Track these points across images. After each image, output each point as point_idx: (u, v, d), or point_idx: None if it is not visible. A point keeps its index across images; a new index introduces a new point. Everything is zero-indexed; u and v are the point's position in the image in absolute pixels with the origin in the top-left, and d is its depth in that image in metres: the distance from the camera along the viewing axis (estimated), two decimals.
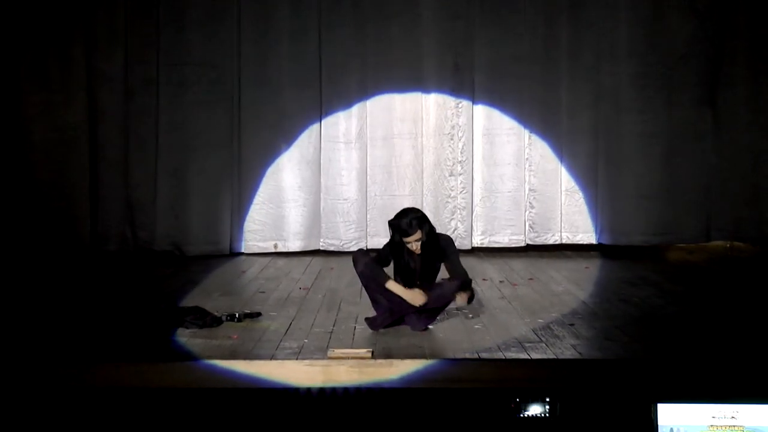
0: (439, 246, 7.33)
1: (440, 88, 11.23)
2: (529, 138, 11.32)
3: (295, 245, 11.21)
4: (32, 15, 11.00)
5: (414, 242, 7.19)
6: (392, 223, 7.28)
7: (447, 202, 11.23)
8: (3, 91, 11.00)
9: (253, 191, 11.18)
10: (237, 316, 7.48)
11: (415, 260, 7.30)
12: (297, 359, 6.32)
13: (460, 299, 7.25)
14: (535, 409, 5.82)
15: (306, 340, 6.85)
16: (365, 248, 11.21)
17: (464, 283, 7.29)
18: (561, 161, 11.33)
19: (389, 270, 7.32)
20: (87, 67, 11.08)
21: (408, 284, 7.23)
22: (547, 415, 5.81)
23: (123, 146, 11.15)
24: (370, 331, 7.16)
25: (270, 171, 11.18)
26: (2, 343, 6.70)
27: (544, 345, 6.72)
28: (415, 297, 7.12)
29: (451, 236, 10.90)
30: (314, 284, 9.23)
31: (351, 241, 11.22)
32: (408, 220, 7.20)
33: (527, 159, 11.35)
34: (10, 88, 11.02)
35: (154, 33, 11.08)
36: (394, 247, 7.30)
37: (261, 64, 11.17)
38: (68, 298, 8.51)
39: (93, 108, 11.12)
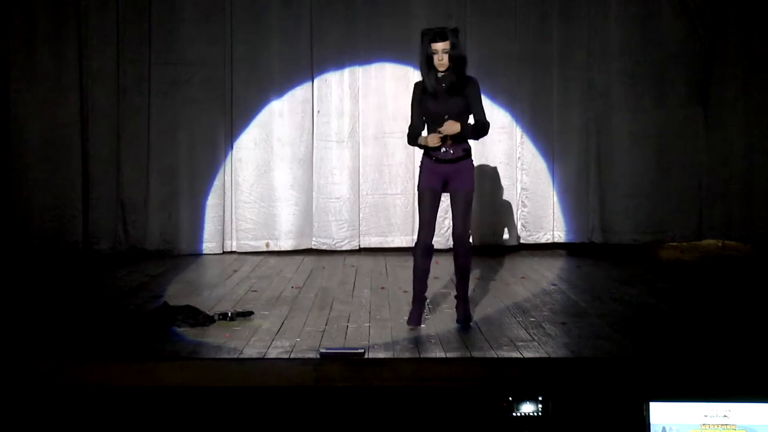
0: (465, 78, 7.18)
1: None
2: (521, 137, 11.33)
3: (287, 244, 11.20)
4: (24, 13, 10.98)
5: (441, 52, 7.06)
6: (423, 30, 7.20)
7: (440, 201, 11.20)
8: None
9: (244, 190, 11.16)
10: (229, 314, 7.48)
11: (440, 84, 7.15)
12: (289, 358, 6.33)
13: (447, 127, 7.06)
14: (527, 408, 5.81)
15: (298, 339, 6.85)
16: (357, 247, 11.24)
17: (482, 124, 7.21)
18: (553, 160, 11.34)
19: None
20: (79, 65, 11.07)
21: (435, 118, 7.16)
22: (540, 413, 5.80)
23: (115, 145, 11.13)
24: (362, 330, 7.16)
25: (262, 170, 11.17)
26: None
27: (536, 344, 6.73)
28: (433, 139, 7.11)
29: (444, 235, 11.04)
30: (306, 283, 9.23)
31: (343, 240, 11.22)
32: (440, 27, 7.19)
33: (519, 158, 11.35)
34: (2, 87, 10.99)
35: (147, 32, 11.06)
36: (424, 63, 7.14)
37: (253, 63, 11.17)
38: (59, 297, 8.49)
39: (85, 107, 11.11)
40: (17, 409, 5.95)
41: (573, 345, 6.71)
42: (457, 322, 7.42)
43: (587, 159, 11.35)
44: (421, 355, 6.43)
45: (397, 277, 9.63)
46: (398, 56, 11.22)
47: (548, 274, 9.84)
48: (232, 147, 11.20)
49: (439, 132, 7.10)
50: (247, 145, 11.15)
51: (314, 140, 11.22)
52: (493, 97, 11.24)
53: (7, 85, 11.01)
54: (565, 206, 11.36)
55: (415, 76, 11.16)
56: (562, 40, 11.29)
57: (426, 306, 7.67)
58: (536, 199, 11.36)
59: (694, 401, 5.41)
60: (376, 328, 7.26)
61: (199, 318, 7.32)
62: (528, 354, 6.44)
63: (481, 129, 7.25)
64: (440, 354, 6.46)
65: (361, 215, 11.30)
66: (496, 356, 6.40)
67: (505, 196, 11.33)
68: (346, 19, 11.19)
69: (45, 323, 7.36)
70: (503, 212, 11.34)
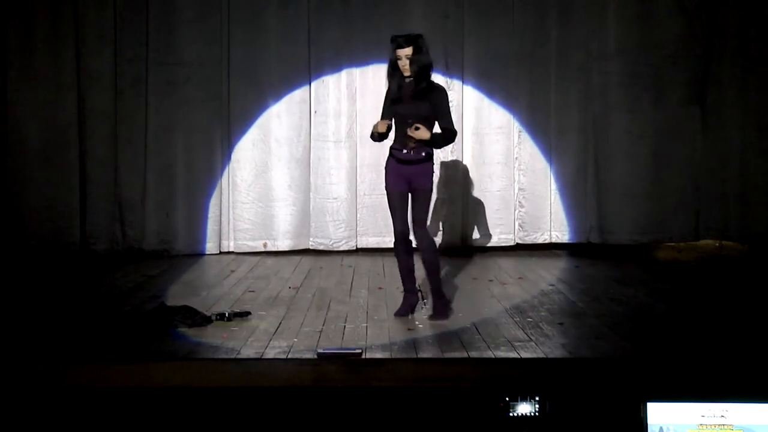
0: (432, 86, 7.47)
1: None
2: (519, 137, 11.33)
3: (284, 244, 11.20)
4: (22, 14, 10.98)
5: (405, 58, 7.32)
6: (392, 36, 7.48)
7: (438, 201, 11.22)
8: None
9: (242, 191, 11.15)
10: (226, 315, 7.48)
11: (405, 86, 7.40)
12: (286, 358, 6.33)
13: (417, 132, 7.29)
14: (524, 408, 5.82)
15: (296, 340, 6.85)
16: (355, 248, 11.24)
17: (449, 132, 7.48)
18: (550, 160, 11.33)
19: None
20: (77, 66, 11.06)
21: (400, 121, 7.46)
22: (537, 414, 5.81)
23: (112, 145, 11.13)
24: (360, 330, 7.16)
25: (259, 170, 11.16)
26: None
27: (533, 344, 6.73)
28: (381, 125, 7.45)
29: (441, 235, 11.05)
30: (304, 283, 9.23)
31: (340, 240, 11.22)
32: (406, 34, 7.44)
33: (516, 158, 11.35)
34: None
35: (144, 32, 11.05)
36: (390, 67, 7.47)
37: (250, 63, 11.16)
38: (56, 298, 8.49)
39: (82, 107, 11.10)
40: (15, 410, 5.95)
41: (570, 345, 6.71)
42: (430, 318, 7.57)
43: (585, 159, 11.34)
44: (419, 356, 6.44)
45: (395, 278, 9.56)
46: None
47: (546, 274, 9.84)
48: (229, 147, 11.20)
49: (410, 137, 7.35)
50: (245, 145, 11.14)
51: (312, 141, 11.22)
52: (491, 97, 11.26)
53: (5, 85, 11.01)
54: (563, 206, 11.35)
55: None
56: (559, 40, 11.28)
57: (421, 299, 7.83)
58: (534, 200, 11.36)
59: (691, 401, 5.42)
60: (373, 328, 7.27)
61: (197, 318, 7.32)
62: (525, 354, 6.44)
63: (448, 137, 7.58)
64: (438, 354, 6.46)
65: (358, 215, 11.29)
66: (493, 356, 6.40)
67: (503, 197, 11.30)
68: (343, 19, 11.18)
69: (42, 324, 7.36)
70: (502, 212, 11.32)
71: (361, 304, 8.26)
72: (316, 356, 6.26)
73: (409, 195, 7.56)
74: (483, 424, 5.92)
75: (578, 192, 11.34)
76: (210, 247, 11.14)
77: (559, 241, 11.39)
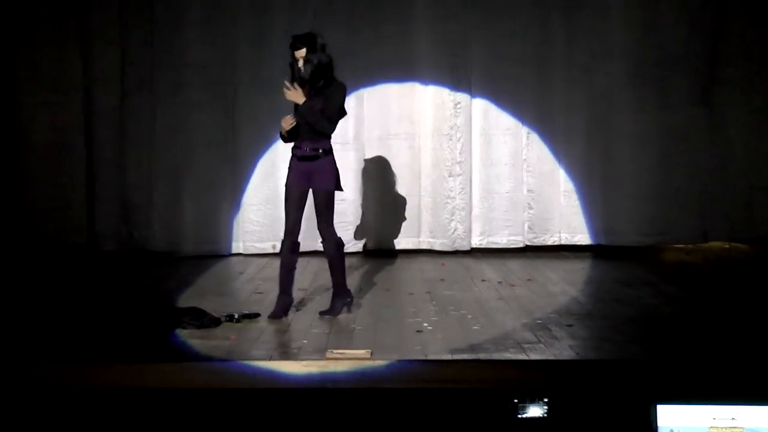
0: (330, 83, 7.63)
1: (437, 88, 11.22)
2: (527, 138, 11.32)
3: (299, 247, 11.17)
4: (27, 16, 10.99)
5: (300, 59, 7.51)
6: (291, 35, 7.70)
7: (446, 202, 11.22)
8: None
9: (249, 192, 11.15)
10: (235, 316, 7.49)
11: (302, 79, 7.55)
12: (295, 360, 6.33)
13: (289, 93, 7.57)
14: (533, 410, 5.81)
15: (304, 341, 6.86)
16: (362, 249, 11.24)
17: (325, 116, 7.57)
18: (558, 162, 11.32)
19: None
20: (83, 67, 11.08)
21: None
22: (546, 416, 5.80)
23: (119, 147, 11.14)
24: (368, 331, 7.16)
25: (267, 172, 11.16)
26: None
27: (542, 345, 6.73)
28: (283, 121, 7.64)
29: (451, 237, 11.04)
30: (312, 285, 9.22)
31: (348, 242, 11.17)
32: (302, 34, 7.64)
33: (525, 160, 11.34)
34: (6, 89, 11.02)
35: (150, 33, 11.07)
36: (290, 67, 7.65)
37: (256, 64, 11.15)
38: (64, 299, 8.50)
39: (89, 109, 11.12)
40: (21, 411, 5.95)
41: (579, 347, 6.71)
42: (320, 313, 7.76)
43: (591, 161, 11.33)
44: (427, 357, 6.43)
45: (403, 279, 9.64)
46: (402, 59, 11.21)
47: (554, 276, 9.84)
48: (236, 149, 11.19)
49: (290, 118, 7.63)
50: (252, 147, 11.12)
51: None
52: (498, 99, 11.26)
53: (12, 86, 11.03)
54: (570, 208, 11.34)
55: (418, 79, 11.22)
56: (565, 41, 11.27)
57: (291, 302, 7.88)
58: (542, 201, 11.35)
59: (701, 404, 5.41)
60: (382, 330, 7.27)
61: (205, 320, 7.33)
62: (534, 356, 6.44)
63: (321, 119, 7.61)
64: (446, 356, 6.46)
65: (365, 217, 11.29)
66: (501, 358, 6.40)
67: (511, 198, 11.30)
68: (348, 21, 11.17)
69: (50, 325, 7.36)
70: (510, 214, 11.31)
71: (369, 305, 8.26)
72: (325, 358, 6.25)
73: (311, 194, 7.74)
74: (491, 426, 5.91)
75: (585, 193, 11.33)
76: (218, 248, 11.13)
77: (567, 242, 11.38)
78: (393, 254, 11.17)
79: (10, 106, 11.02)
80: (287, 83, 7.58)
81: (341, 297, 7.84)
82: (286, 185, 7.79)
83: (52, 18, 11.05)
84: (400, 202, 11.26)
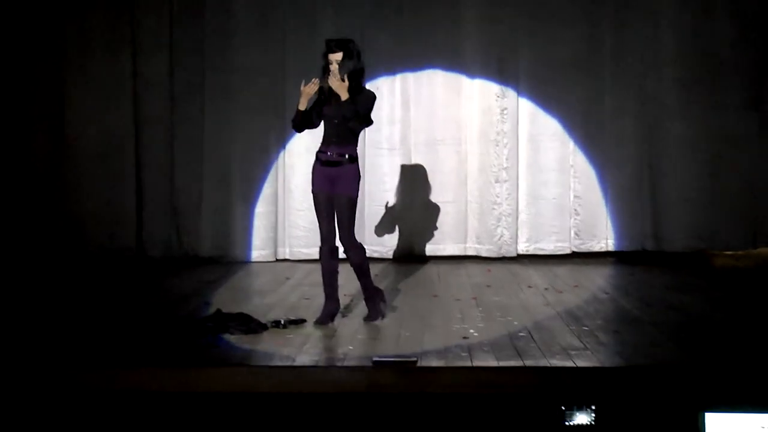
0: (361, 88, 7.61)
1: (484, 93, 11.21)
2: (574, 144, 11.28)
3: (338, 251, 11.19)
4: (79, 22, 11.10)
5: (335, 62, 7.45)
6: (326, 40, 7.72)
7: (493, 208, 11.19)
8: (50, 99, 11.11)
9: (297, 197, 11.17)
10: (282, 322, 7.51)
11: (332, 87, 7.48)
12: (342, 366, 6.34)
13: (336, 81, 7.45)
14: (580, 418, 5.79)
15: (350, 347, 6.86)
16: (408, 254, 11.24)
17: (362, 117, 7.55)
18: (605, 167, 11.27)
19: None
20: (133, 73, 11.18)
21: (327, 121, 7.67)
22: (593, 423, 5.77)
23: (168, 152, 11.23)
24: (415, 337, 7.16)
25: None
26: (49, 345, 6.78)
27: (589, 352, 6.69)
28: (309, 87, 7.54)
29: (497, 243, 11.02)
30: (358, 291, 9.21)
31: (393, 248, 11.23)
32: (338, 38, 7.69)
33: (572, 165, 11.30)
34: (57, 95, 11.13)
35: (200, 39, 11.15)
36: (322, 69, 7.58)
37: (305, 69, 11.10)
38: (113, 304, 8.57)
39: (138, 114, 11.21)
40: (68, 414, 6.01)
41: (626, 353, 6.67)
42: (364, 320, 7.76)
43: (640, 166, 11.27)
44: (474, 363, 6.42)
45: (450, 285, 9.62)
46: (449, 63, 11.23)
47: (601, 282, 9.80)
48: (284, 153, 11.24)
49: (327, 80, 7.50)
50: (299, 151, 11.11)
51: (366, 147, 11.20)
52: (545, 105, 11.24)
53: (63, 91, 11.14)
54: (618, 214, 11.28)
55: (466, 83, 11.22)
56: (614, 46, 11.23)
57: (338, 308, 7.85)
58: (589, 207, 11.30)
59: (751, 412, 5.36)
60: (428, 335, 7.26)
61: (252, 325, 7.36)
62: (581, 362, 6.40)
63: (360, 120, 7.58)
64: (492, 362, 6.44)
65: (412, 223, 11.29)
66: (548, 365, 6.37)
67: (558, 204, 11.27)
68: (397, 26, 11.20)
69: (98, 329, 7.42)
70: (557, 220, 11.28)
71: (416, 311, 8.26)
72: (371, 364, 6.26)
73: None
74: None
75: (633, 199, 11.27)
76: (265, 254, 11.18)
77: (614, 248, 11.32)
78: (439, 260, 11.17)
79: (60, 111, 11.13)
80: (311, 84, 7.54)
81: (375, 299, 7.86)
82: (313, 192, 7.75)
83: (103, 24, 11.16)
84: (446, 208, 11.25)
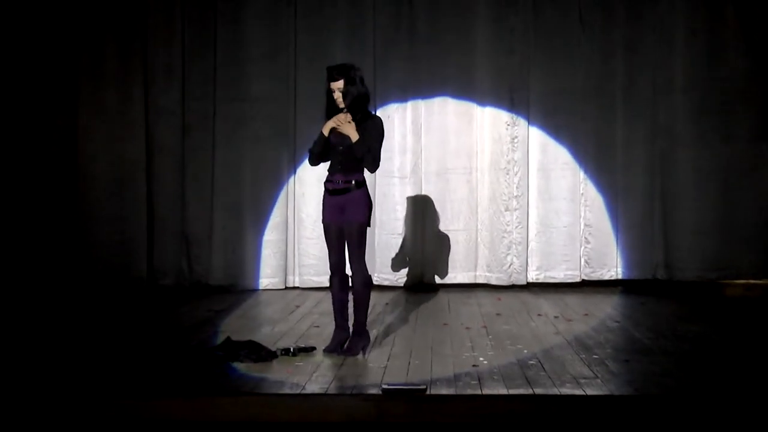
0: (368, 116, 7.55)
1: (495, 122, 11.23)
2: (585, 173, 11.28)
3: (349, 281, 11.20)
4: (92, 52, 11.17)
5: (337, 90, 7.43)
6: (327, 67, 7.61)
7: (503, 237, 11.20)
8: (63, 126, 11.16)
9: (308, 226, 11.18)
10: (291, 350, 7.51)
11: (342, 132, 7.46)
12: (351, 394, 6.33)
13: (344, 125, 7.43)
14: None
15: (360, 375, 6.86)
16: (419, 282, 11.25)
17: (371, 156, 7.47)
18: (617, 196, 11.26)
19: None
20: (145, 102, 11.23)
21: (333, 149, 7.57)
22: None
23: (180, 181, 11.27)
24: (425, 366, 7.15)
25: None
26: (60, 375, 6.78)
27: (599, 381, 6.68)
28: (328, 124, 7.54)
29: (507, 271, 11.01)
30: (368, 319, 9.21)
31: (404, 276, 11.23)
32: (339, 65, 7.59)
33: (582, 194, 11.30)
34: (69, 123, 11.18)
35: (212, 68, 11.21)
36: (326, 97, 7.59)
37: (317, 99, 11.15)
38: (124, 332, 8.58)
39: (150, 143, 11.26)
40: None
41: (636, 383, 6.65)
42: (341, 352, 7.57)
43: (652, 195, 11.27)
44: (483, 392, 6.41)
45: (460, 313, 9.61)
46: (460, 91, 11.27)
47: (611, 311, 9.78)
48: (295, 182, 11.27)
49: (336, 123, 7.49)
50: (310, 180, 11.13)
51: (377, 176, 11.23)
52: (556, 134, 11.25)
53: (75, 121, 11.20)
54: (629, 242, 11.27)
55: (477, 112, 11.25)
56: (626, 75, 11.25)
57: (347, 337, 7.73)
58: (599, 236, 11.29)
59: None
60: (438, 364, 7.25)
61: (262, 353, 7.36)
62: (591, 391, 6.39)
63: (368, 157, 7.50)
64: (502, 390, 6.43)
65: (423, 251, 11.30)
66: (559, 393, 6.35)
67: (569, 233, 11.27)
68: (408, 55, 11.25)
69: (108, 358, 7.42)
70: (568, 248, 11.29)
71: (426, 339, 8.25)
72: (380, 392, 6.26)
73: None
74: None
75: (645, 228, 11.26)
76: (275, 282, 11.20)
77: (624, 277, 11.30)
78: (449, 288, 11.17)
79: (73, 140, 11.18)
80: (342, 115, 7.50)
81: (361, 337, 7.71)
82: (323, 223, 7.67)
83: (116, 54, 11.22)
84: (456, 236, 11.26)
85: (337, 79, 7.44)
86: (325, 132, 7.50)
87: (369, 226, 7.67)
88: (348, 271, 7.67)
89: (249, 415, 6.10)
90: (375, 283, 11.11)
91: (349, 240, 7.55)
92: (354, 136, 7.40)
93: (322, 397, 6.28)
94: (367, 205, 7.57)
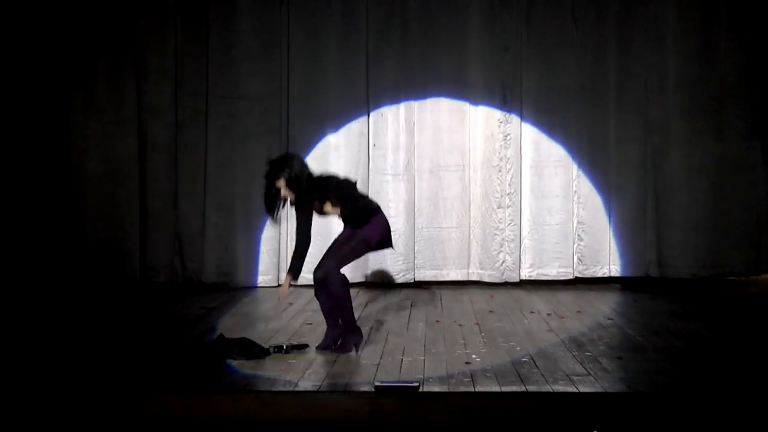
0: (322, 188, 7.54)
1: (488, 120, 11.24)
2: (578, 170, 11.29)
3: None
4: (84, 49, 11.15)
5: (282, 189, 7.50)
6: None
7: (495, 234, 11.21)
8: (55, 124, 11.14)
9: None
10: (284, 347, 7.51)
11: (330, 215, 7.62)
12: (344, 391, 6.33)
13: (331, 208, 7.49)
14: None
15: (353, 372, 6.85)
16: (412, 281, 11.24)
17: (352, 207, 7.51)
18: (609, 194, 11.28)
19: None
20: (137, 100, 11.22)
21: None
22: None
23: (172, 178, 11.26)
24: (417, 363, 7.15)
25: None
26: (53, 373, 6.78)
27: (592, 378, 6.68)
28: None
29: (500, 269, 11.01)
30: (361, 316, 9.23)
31: (398, 273, 11.23)
32: (270, 167, 7.62)
33: (575, 191, 11.31)
34: (62, 121, 11.16)
35: (204, 66, 11.19)
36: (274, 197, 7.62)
37: (308, 97, 11.23)
38: (116, 330, 8.57)
39: (143, 141, 11.25)
40: None
41: (629, 380, 6.66)
42: (333, 350, 7.56)
43: (644, 193, 11.29)
44: (476, 389, 6.41)
45: (452, 311, 9.61)
46: (453, 89, 11.27)
47: (604, 308, 9.78)
48: None
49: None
50: None
51: (370, 174, 11.25)
52: (549, 131, 11.26)
53: (68, 119, 11.18)
54: (622, 240, 11.29)
55: (470, 110, 11.24)
56: (619, 73, 11.27)
57: (340, 334, 7.69)
58: (592, 233, 11.31)
59: None
60: (431, 361, 7.25)
61: (255, 350, 7.35)
62: (584, 388, 6.39)
63: (358, 206, 7.59)
64: (495, 388, 6.43)
65: (416, 248, 11.31)
66: (551, 390, 6.35)
67: (562, 230, 11.28)
68: (401, 54, 11.24)
69: (102, 355, 7.41)
70: (561, 245, 11.29)
71: (419, 337, 8.25)
72: (373, 389, 6.26)
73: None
74: None
75: (637, 225, 11.28)
76: (268, 279, 11.19)
77: (617, 274, 11.32)
78: (442, 285, 11.17)
79: (65, 137, 11.17)
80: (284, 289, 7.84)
81: (354, 334, 7.65)
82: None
83: (108, 51, 11.20)
84: (449, 234, 11.26)
85: (276, 181, 7.51)
86: (283, 296, 8.05)
87: (373, 249, 7.79)
88: (347, 269, 7.69)
89: (242, 413, 6.09)
90: (368, 280, 11.18)
91: (347, 241, 7.60)
92: (338, 211, 7.53)
93: (315, 395, 6.27)
94: (383, 227, 7.68)
